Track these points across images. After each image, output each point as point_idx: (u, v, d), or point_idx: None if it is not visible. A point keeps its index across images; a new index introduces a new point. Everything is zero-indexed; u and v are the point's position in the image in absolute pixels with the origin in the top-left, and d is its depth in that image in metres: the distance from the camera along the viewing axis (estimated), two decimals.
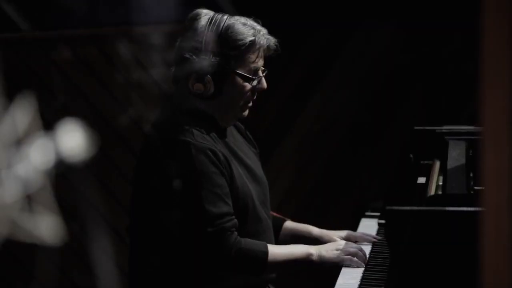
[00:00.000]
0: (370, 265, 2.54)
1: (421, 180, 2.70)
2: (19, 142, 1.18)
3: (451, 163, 2.62)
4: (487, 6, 1.16)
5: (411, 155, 2.96)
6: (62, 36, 3.82)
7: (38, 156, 1.17)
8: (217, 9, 2.53)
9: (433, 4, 4.15)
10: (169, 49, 2.54)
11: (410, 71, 4.21)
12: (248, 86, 2.50)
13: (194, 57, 2.44)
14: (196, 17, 2.48)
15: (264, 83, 2.53)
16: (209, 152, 2.41)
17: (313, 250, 2.51)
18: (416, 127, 3.04)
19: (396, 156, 3.82)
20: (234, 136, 2.64)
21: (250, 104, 2.55)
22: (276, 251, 2.48)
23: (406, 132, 3.29)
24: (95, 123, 3.62)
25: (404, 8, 4.19)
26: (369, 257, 2.58)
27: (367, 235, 2.77)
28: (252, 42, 2.48)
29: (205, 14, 2.49)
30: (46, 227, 1.18)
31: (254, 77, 2.50)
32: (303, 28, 4.24)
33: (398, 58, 4.23)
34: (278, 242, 2.69)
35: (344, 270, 2.50)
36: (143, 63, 3.77)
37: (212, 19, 2.47)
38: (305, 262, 2.51)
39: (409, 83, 4.23)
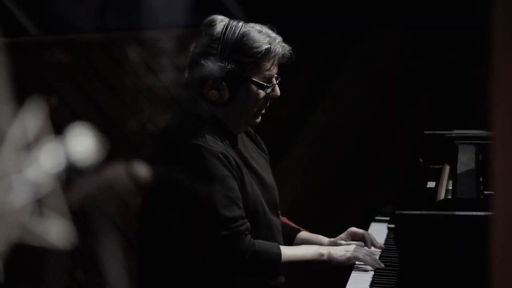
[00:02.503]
0: (380, 270, 2.53)
1: (431, 184, 2.69)
2: (29, 146, 1.18)
3: (460, 168, 2.61)
4: (497, 8, 1.15)
5: (421, 160, 2.96)
6: (72, 40, 3.83)
7: (48, 160, 1.17)
8: (224, 9, 2.53)
9: (443, 6, 4.14)
10: (178, 54, 2.54)
11: (420, 75, 4.20)
12: (262, 93, 2.50)
13: (209, 63, 2.45)
14: (212, 23, 2.48)
15: (278, 91, 2.54)
16: (221, 156, 2.41)
17: (324, 250, 2.52)
18: (425, 132, 3.04)
19: (405, 161, 3.81)
20: (244, 143, 2.64)
21: (263, 111, 2.55)
22: (289, 252, 2.49)
23: (415, 136, 3.29)
24: (104, 127, 3.62)
25: (413, 10, 4.18)
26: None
27: (371, 238, 2.76)
28: (268, 50, 2.48)
29: (221, 21, 2.49)
30: (56, 231, 1.18)
31: (268, 85, 2.50)
32: (310, 29, 4.24)
33: (407, 62, 4.22)
34: None
35: (353, 275, 2.50)
36: (152, 67, 3.77)
37: (227, 26, 2.47)
38: (316, 262, 2.52)
39: (419, 87, 4.21)
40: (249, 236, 2.43)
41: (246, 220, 2.43)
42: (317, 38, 4.27)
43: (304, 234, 2.79)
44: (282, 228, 2.67)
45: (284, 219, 2.77)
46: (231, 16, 2.53)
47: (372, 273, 2.51)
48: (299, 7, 4.26)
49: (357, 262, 2.54)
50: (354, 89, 4.28)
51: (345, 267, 2.54)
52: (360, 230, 2.75)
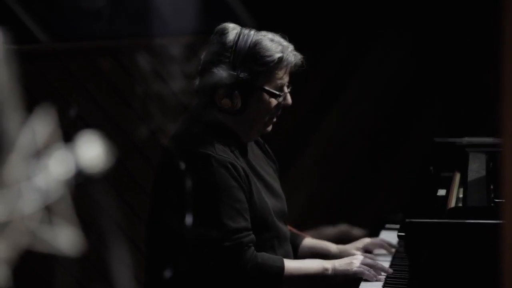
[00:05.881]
0: (390, 278, 2.52)
1: (441, 192, 2.68)
2: (38, 153, 1.18)
3: (471, 175, 2.60)
4: (508, 15, 1.15)
5: (431, 167, 2.95)
6: (81, 47, 3.83)
7: (57, 167, 1.16)
8: (234, 17, 2.53)
9: (453, 14, 4.14)
10: (188, 61, 2.54)
11: (429, 82, 4.19)
12: (274, 102, 2.50)
13: (221, 71, 2.44)
14: (224, 32, 2.48)
15: (289, 99, 2.54)
16: (230, 166, 2.41)
17: (328, 264, 2.50)
18: (436, 139, 3.03)
19: (416, 168, 3.80)
20: (254, 152, 2.64)
21: (274, 119, 2.55)
22: (292, 266, 2.47)
23: (426, 144, 3.28)
24: (113, 134, 3.63)
25: (423, 18, 4.18)
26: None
27: (387, 242, 2.76)
28: (280, 59, 2.48)
29: (233, 29, 2.49)
30: (65, 238, 1.18)
31: (280, 93, 2.50)
32: (320, 36, 4.24)
33: (417, 68, 4.21)
34: (297, 259, 2.69)
35: (363, 285, 2.48)
36: (161, 74, 3.77)
37: (240, 34, 2.47)
38: (320, 277, 2.50)
39: (429, 94, 4.21)
40: (252, 248, 2.42)
41: (251, 232, 2.43)
42: (327, 45, 4.27)
43: (310, 241, 2.78)
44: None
45: (289, 227, 2.76)
46: (241, 23, 2.53)
47: (382, 282, 2.50)
48: (309, 13, 4.26)
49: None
50: (365, 97, 4.28)
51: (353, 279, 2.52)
52: (377, 240, 2.75)
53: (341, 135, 4.29)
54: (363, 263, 2.51)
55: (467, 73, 4.15)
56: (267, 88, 2.48)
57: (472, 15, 4.06)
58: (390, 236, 2.93)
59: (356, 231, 3.05)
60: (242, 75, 2.45)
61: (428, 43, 4.17)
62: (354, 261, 2.52)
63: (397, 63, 4.22)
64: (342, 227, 3.10)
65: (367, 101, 4.26)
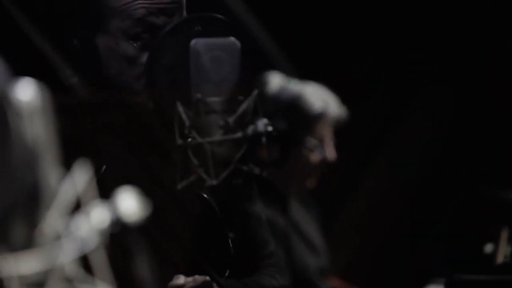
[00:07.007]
0: None
1: (489, 248, 2.62)
2: (76, 207, 1.18)
3: None
4: None
5: (477, 221, 2.89)
6: (121, 100, 3.83)
7: (93, 220, 1.15)
8: (275, 67, 2.51)
9: (496, 70, 4.11)
10: (228, 112, 2.52)
11: (476, 131, 4.15)
12: (314, 156, 2.47)
13: (260, 123, 2.42)
14: (265, 82, 2.46)
15: (332, 154, 2.50)
16: (265, 222, 2.37)
17: None
18: (482, 191, 2.97)
19: (462, 222, 3.74)
20: (295, 205, 2.60)
21: (318, 176, 2.51)
22: None
23: (472, 197, 3.22)
24: (152, 187, 3.60)
25: (467, 74, 4.15)
26: None
27: None
28: (323, 113, 2.46)
29: (275, 79, 2.47)
30: None
31: (322, 148, 2.47)
32: (364, 84, 4.22)
33: (463, 118, 4.17)
34: None
35: None
36: (200, 125, 3.74)
37: (282, 85, 2.45)
38: None
39: (474, 148, 4.16)
40: None
41: None
42: (370, 99, 4.24)
43: None
44: None
45: (335, 281, 2.71)
46: (283, 73, 2.51)
47: None
48: (353, 66, 4.25)
49: None
50: (408, 150, 4.24)
51: None
52: None
53: (385, 188, 4.23)
54: None
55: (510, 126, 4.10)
56: (307, 142, 2.45)
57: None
58: None
59: None
60: (282, 127, 2.42)
61: (473, 93, 4.13)
62: None
63: (442, 112, 4.18)
64: None
65: (411, 154, 4.21)
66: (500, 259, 2.40)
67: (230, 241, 2.36)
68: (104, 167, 2.25)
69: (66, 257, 1.10)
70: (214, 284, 2.53)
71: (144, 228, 1.29)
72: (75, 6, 2.46)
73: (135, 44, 2.48)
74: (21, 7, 2.84)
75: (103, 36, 2.47)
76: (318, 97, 2.45)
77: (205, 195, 2.56)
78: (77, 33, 2.44)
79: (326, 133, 2.47)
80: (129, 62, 2.54)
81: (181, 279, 2.54)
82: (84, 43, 2.43)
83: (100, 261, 1.14)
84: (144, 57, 2.54)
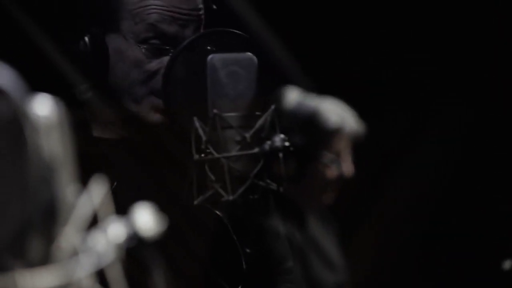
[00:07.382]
0: None
1: (508, 264, 2.58)
2: (93, 222, 1.18)
3: None
4: None
5: (496, 236, 2.85)
6: (135, 115, 3.83)
7: (110, 235, 1.15)
8: (292, 81, 2.51)
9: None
10: (245, 128, 2.52)
11: (492, 147, 4.12)
12: (331, 171, 2.46)
13: (277, 138, 2.42)
14: (282, 97, 2.46)
15: (350, 170, 2.50)
16: (283, 237, 2.37)
17: None
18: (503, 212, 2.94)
19: (480, 242, 3.72)
20: (312, 220, 2.59)
21: (335, 191, 2.50)
22: None
23: (491, 218, 3.20)
24: (168, 203, 3.59)
25: (485, 92, 4.13)
26: None
27: None
28: (340, 128, 2.45)
29: (292, 94, 2.46)
30: None
31: (339, 163, 2.46)
32: (378, 103, 4.21)
33: (478, 133, 4.15)
34: None
35: None
36: (216, 141, 3.74)
37: (298, 100, 2.45)
38: None
39: (494, 160, 4.14)
40: None
41: None
42: (388, 116, 4.23)
43: None
44: None
45: None
46: (301, 88, 2.51)
47: None
48: (370, 82, 4.24)
49: None
50: (426, 170, 4.22)
51: None
52: None
53: (403, 203, 4.22)
54: None
55: None
56: (325, 157, 2.44)
57: None
58: None
59: None
60: (299, 142, 2.41)
61: (490, 117, 4.12)
62: None
63: (459, 130, 4.17)
64: None
65: (429, 169, 4.19)
66: None
67: (242, 257, 2.36)
68: (115, 183, 2.24)
69: (82, 272, 1.10)
70: None
71: (160, 243, 1.29)
72: (89, 6, 2.47)
73: (143, 49, 2.48)
74: (31, 14, 2.84)
75: (113, 37, 2.48)
76: (335, 112, 2.45)
77: (217, 212, 2.56)
78: (88, 31, 2.44)
79: (343, 148, 2.47)
80: (136, 66, 2.55)
81: None
82: (95, 42, 2.43)
83: (116, 276, 1.14)
84: (151, 63, 2.55)
